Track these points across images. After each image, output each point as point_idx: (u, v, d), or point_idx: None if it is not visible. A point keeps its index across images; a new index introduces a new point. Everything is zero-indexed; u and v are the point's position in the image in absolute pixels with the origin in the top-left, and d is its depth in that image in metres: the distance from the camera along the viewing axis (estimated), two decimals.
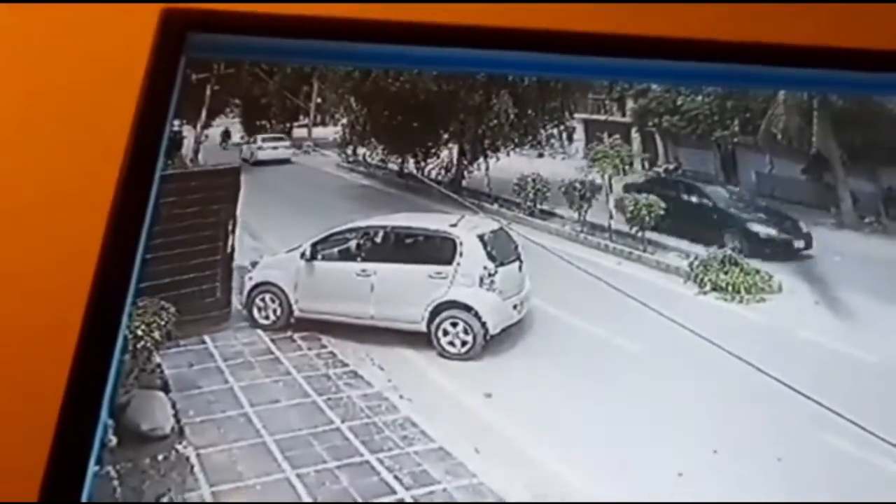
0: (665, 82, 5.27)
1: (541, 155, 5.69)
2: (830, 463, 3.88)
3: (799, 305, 4.71)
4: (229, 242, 4.72)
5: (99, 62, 2.74)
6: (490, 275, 4.64)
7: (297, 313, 4.73)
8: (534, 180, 5.37)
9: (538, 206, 5.36)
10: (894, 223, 5.14)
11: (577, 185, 5.25)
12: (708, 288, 4.81)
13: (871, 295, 4.60)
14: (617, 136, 5.33)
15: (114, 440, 3.57)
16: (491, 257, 4.68)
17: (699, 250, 4.93)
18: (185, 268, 4.51)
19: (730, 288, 4.75)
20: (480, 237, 4.74)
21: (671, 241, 5.14)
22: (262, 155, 5.75)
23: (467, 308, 4.54)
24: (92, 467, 2.44)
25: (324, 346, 4.60)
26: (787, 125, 5.13)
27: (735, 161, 5.58)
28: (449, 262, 4.65)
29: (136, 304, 3.96)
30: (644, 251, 5.12)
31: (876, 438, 3.84)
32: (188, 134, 5.18)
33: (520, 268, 4.78)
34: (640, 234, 5.14)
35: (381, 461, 3.85)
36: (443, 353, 4.50)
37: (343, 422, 4.07)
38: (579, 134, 5.74)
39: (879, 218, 5.16)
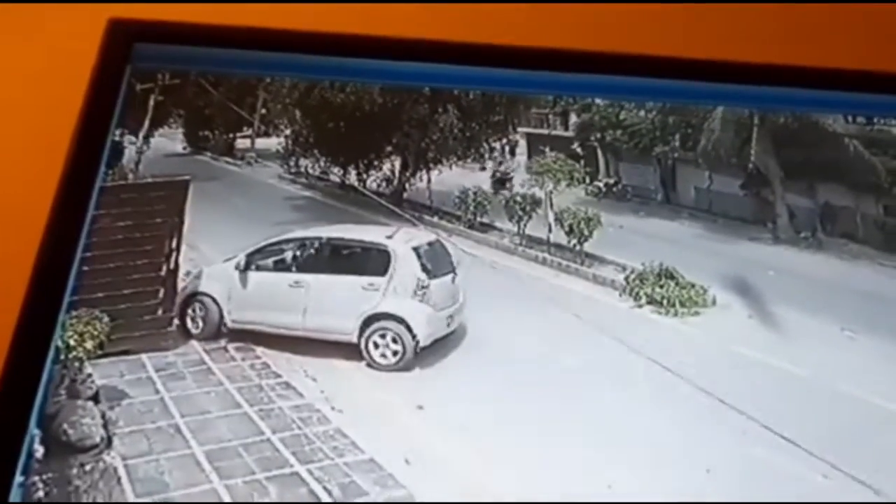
0: (608, 97, 5.34)
1: (483, 168, 5.74)
2: (759, 475, 3.91)
3: (732, 319, 4.76)
4: (172, 258, 4.68)
5: (44, 70, 2.76)
6: (423, 287, 4.66)
7: (229, 324, 4.72)
8: (475, 193, 5.41)
9: (478, 219, 5.40)
10: (830, 238, 5.22)
11: (518, 198, 5.30)
12: (643, 301, 4.86)
13: (804, 310, 4.66)
14: (560, 153, 5.39)
15: (41, 450, 3.55)
16: (425, 269, 4.70)
17: (636, 264, 4.98)
18: (125, 282, 4.47)
19: (665, 301, 4.80)
20: (415, 249, 4.76)
21: (609, 255, 5.19)
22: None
23: (399, 319, 4.56)
24: (17, 477, 2.44)
25: (257, 357, 4.60)
26: (719, 140, 5.22)
27: (675, 176, 5.65)
28: (383, 274, 4.66)
29: (70, 315, 3.95)
30: (581, 264, 5.16)
31: (804, 452, 3.88)
32: (129, 144, 5.17)
33: (453, 280, 4.80)
34: (577, 247, 5.18)
35: (310, 472, 3.84)
36: (372, 364, 4.51)
37: (274, 433, 4.06)
38: (522, 148, 5.80)
39: (815, 233, 5.24)
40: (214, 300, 4.76)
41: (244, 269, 4.78)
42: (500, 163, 5.51)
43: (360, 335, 4.56)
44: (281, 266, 4.84)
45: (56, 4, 2.94)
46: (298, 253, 4.86)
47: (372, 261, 4.73)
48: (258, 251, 4.83)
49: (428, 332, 4.58)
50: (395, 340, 4.53)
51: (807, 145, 5.22)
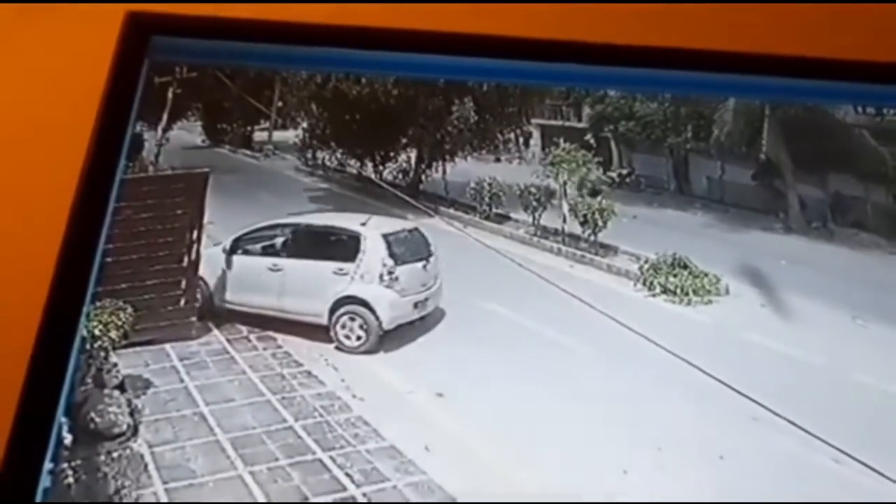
0: (621, 88, 5.36)
1: (498, 160, 5.79)
2: (770, 461, 3.96)
3: (745, 308, 4.81)
4: (193, 250, 4.74)
5: (63, 64, 2.77)
6: (389, 272, 4.78)
7: (217, 303, 4.87)
8: (490, 185, 5.45)
9: (493, 210, 5.45)
10: (841, 228, 5.26)
11: (533, 189, 5.34)
12: (657, 290, 4.91)
13: (816, 299, 4.70)
14: (574, 144, 5.42)
15: (69, 438, 3.61)
16: (393, 255, 4.82)
17: (650, 254, 5.02)
18: (147, 273, 4.53)
19: (678, 290, 4.85)
20: (385, 236, 4.88)
21: (623, 245, 5.24)
22: None
23: (364, 303, 4.70)
24: (47, 464, 2.48)
25: (279, 346, 4.68)
26: (731, 130, 5.25)
27: (687, 166, 5.69)
28: (353, 260, 4.80)
29: (95, 305, 4.01)
30: (596, 254, 5.21)
31: (816, 438, 3.91)
32: (149, 137, 5.23)
33: (425, 267, 4.91)
34: (592, 237, 5.23)
35: (332, 459, 3.90)
36: (340, 347, 4.65)
37: (296, 420, 4.13)
38: (536, 139, 5.84)
39: (826, 223, 5.28)
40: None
41: (230, 253, 4.91)
42: (614, 182, 5.55)
43: (330, 318, 4.71)
44: (264, 250, 5.01)
45: None
46: (280, 238, 5.03)
47: (344, 247, 4.87)
48: (243, 236, 4.99)
49: (392, 316, 4.72)
50: (361, 326, 4.68)
51: (817, 136, 5.26)
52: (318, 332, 4.72)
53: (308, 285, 4.82)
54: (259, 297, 4.85)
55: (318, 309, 4.74)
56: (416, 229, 5.07)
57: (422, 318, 4.85)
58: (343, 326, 4.70)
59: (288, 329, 4.79)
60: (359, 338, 4.67)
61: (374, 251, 4.84)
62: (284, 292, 4.83)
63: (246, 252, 4.97)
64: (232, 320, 4.84)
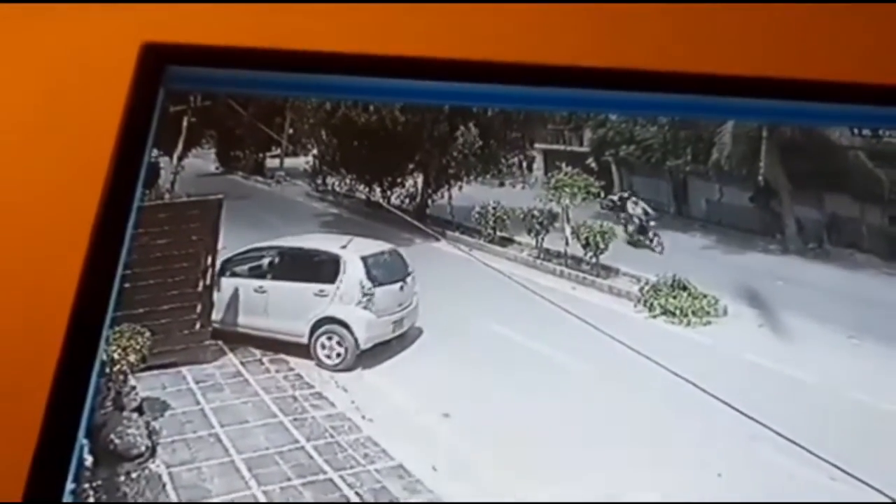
0: (622, 112, 5.44)
1: (502, 184, 5.89)
2: (768, 479, 4.04)
3: (743, 329, 4.88)
4: (208, 274, 4.86)
5: (79, 94, 2.86)
6: (367, 294, 4.94)
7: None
8: (494, 208, 5.55)
9: (498, 234, 5.55)
10: (836, 248, 5.33)
11: (536, 212, 5.45)
12: (658, 311, 5.00)
13: (813, 318, 4.78)
14: (575, 168, 5.52)
15: (90, 459, 3.73)
16: (370, 277, 4.98)
17: (650, 275, 5.11)
18: (164, 298, 4.64)
19: (678, 312, 4.94)
20: (364, 258, 5.05)
21: (624, 267, 5.34)
22: None
23: (342, 324, 4.87)
24: (69, 485, 2.59)
25: (291, 369, 4.80)
26: (731, 153, 5.33)
27: (686, 189, 5.77)
28: (333, 281, 4.96)
29: (114, 330, 4.13)
30: (598, 276, 5.31)
31: (812, 456, 3.98)
32: (165, 164, 5.36)
33: (402, 287, 5.07)
34: (594, 259, 5.33)
35: (342, 478, 4.03)
36: (320, 364, 4.82)
37: (308, 441, 4.25)
38: (539, 163, 5.94)
39: (822, 244, 5.36)
40: None
41: (218, 276, 5.04)
42: (616, 205, 5.65)
43: (310, 337, 4.88)
44: (252, 272, 5.18)
45: (90, 30, 3.05)
46: (267, 261, 5.20)
47: (325, 269, 5.05)
48: (232, 258, 5.14)
49: (368, 336, 4.90)
50: (339, 345, 4.84)
51: (814, 158, 5.33)
52: None
53: (291, 306, 4.99)
54: (246, 318, 5.02)
55: (299, 329, 4.92)
56: (395, 251, 5.24)
57: (398, 337, 5.03)
58: (322, 345, 4.87)
59: (298, 352, 4.93)
60: (338, 355, 4.83)
61: (353, 273, 5.00)
62: (269, 313, 5.01)
63: (234, 274, 5.11)
64: (245, 343, 4.99)
